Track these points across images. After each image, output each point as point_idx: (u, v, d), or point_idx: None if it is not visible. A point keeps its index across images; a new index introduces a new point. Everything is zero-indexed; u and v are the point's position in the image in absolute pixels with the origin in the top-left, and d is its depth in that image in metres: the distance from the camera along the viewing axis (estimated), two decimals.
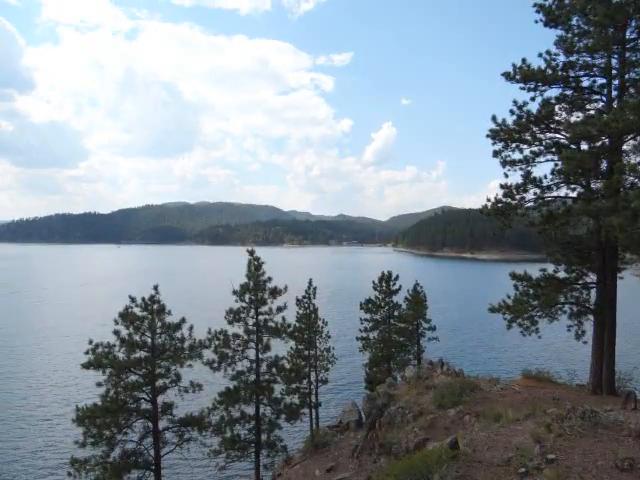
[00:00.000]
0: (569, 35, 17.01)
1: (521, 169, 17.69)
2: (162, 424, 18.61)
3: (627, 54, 16.24)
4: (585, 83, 17.25)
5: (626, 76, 16.35)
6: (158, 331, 18.06)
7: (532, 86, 17.28)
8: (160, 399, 18.38)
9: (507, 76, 17.32)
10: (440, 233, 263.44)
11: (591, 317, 18.00)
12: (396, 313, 31.58)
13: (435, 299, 63.55)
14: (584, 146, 16.45)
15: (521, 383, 18.80)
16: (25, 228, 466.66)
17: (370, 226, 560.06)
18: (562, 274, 18.54)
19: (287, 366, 22.87)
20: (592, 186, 16.95)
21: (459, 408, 15.43)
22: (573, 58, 17.03)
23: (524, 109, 17.20)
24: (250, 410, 20.89)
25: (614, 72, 16.51)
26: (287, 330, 21.20)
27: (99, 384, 17.26)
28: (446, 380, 18.95)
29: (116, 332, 17.58)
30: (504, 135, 17.59)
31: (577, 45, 16.79)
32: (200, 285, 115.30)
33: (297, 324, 25.50)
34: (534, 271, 18.71)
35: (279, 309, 20.53)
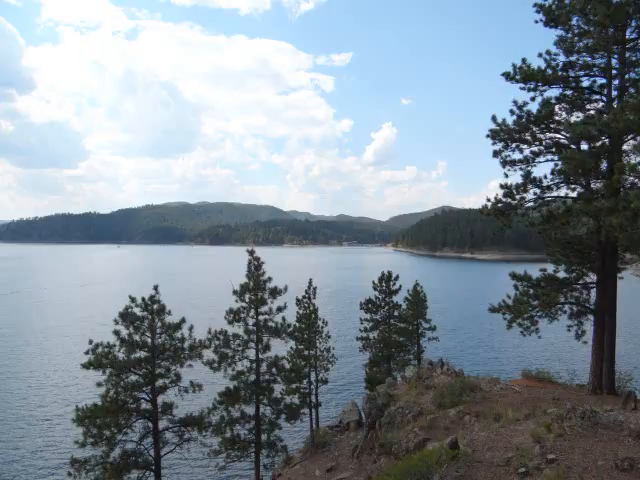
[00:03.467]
0: (569, 35, 16.99)
1: (521, 169, 17.69)
2: (162, 424, 18.58)
3: (627, 54, 16.23)
4: (585, 83, 17.24)
5: (626, 76, 16.35)
6: (158, 331, 18.05)
7: (532, 86, 17.26)
8: (160, 399, 18.35)
9: (507, 76, 17.30)
10: (440, 233, 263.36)
11: (591, 317, 18.01)
12: (396, 313, 31.60)
13: (435, 299, 63.60)
14: (584, 146, 16.43)
15: (521, 383, 18.80)
16: (25, 228, 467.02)
17: (370, 226, 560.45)
18: (562, 274, 18.54)
19: (287, 366, 22.82)
20: (592, 186, 16.95)
21: (459, 408, 15.42)
22: (573, 58, 17.02)
23: (524, 109, 17.19)
24: (250, 410, 20.86)
25: (614, 72, 16.50)
26: (287, 330, 21.16)
27: (99, 384, 17.23)
28: (446, 380, 18.94)
29: (116, 332, 17.55)
30: (504, 135, 17.59)
31: (577, 45, 16.78)
32: (200, 285, 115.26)
33: (297, 324, 25.46)
34: (534, 271, 18.71)
35: (279, 309, 20.50)
